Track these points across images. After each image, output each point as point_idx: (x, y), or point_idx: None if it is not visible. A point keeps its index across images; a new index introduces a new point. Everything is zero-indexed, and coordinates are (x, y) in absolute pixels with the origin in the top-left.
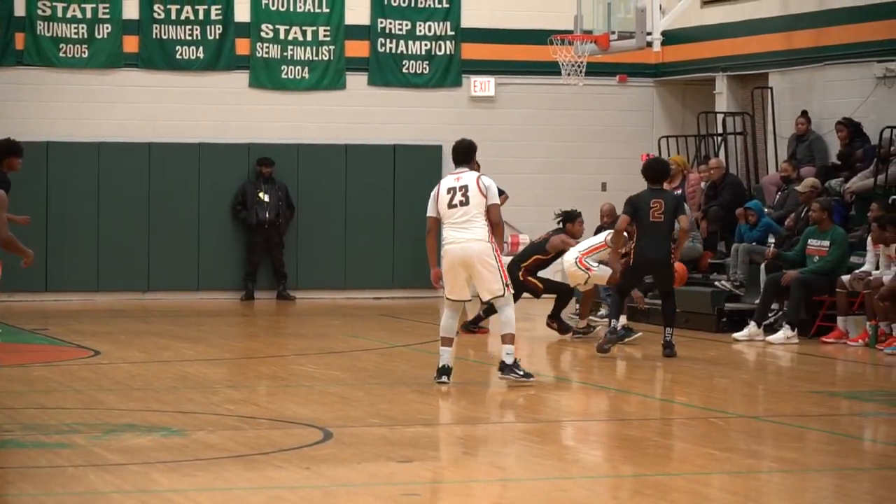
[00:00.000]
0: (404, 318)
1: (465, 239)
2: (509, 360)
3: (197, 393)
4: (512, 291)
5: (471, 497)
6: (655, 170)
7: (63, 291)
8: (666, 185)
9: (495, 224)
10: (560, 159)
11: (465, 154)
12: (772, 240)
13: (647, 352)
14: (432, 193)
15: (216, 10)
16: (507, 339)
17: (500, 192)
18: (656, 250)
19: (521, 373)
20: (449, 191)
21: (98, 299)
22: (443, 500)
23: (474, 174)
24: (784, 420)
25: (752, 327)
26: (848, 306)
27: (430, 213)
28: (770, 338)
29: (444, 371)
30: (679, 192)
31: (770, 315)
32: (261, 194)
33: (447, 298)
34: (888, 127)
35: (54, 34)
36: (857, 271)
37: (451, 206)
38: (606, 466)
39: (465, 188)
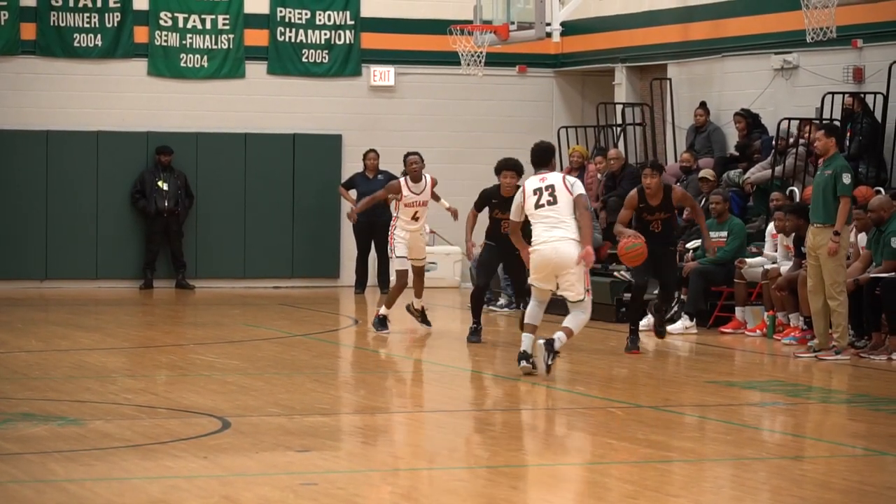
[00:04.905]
0: (303, 308)
1: (555, 238)
2: (557, 346)
3: (95, 382)
4: (591, 297)
5: (369, 486)
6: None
7: None
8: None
9: (584, 209)
10: (459, 149)
11: (544, 157)
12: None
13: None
14: (516, 197)
15: None
16: (567, 331)
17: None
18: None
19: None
20: (535, 191)
21: None
22: (341, 490)
23: (558, 174)
24: (682, 410)
25: (650, 318)
26: (746, 297)
27: (514, 217)
28: (669, 328)
29: (524, 356)
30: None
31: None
32: (160, 183)
33: (534, 286)
34: (785, 118)
35: None
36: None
37: (538, 206)
38: (506, 456)
39: (551, 187)
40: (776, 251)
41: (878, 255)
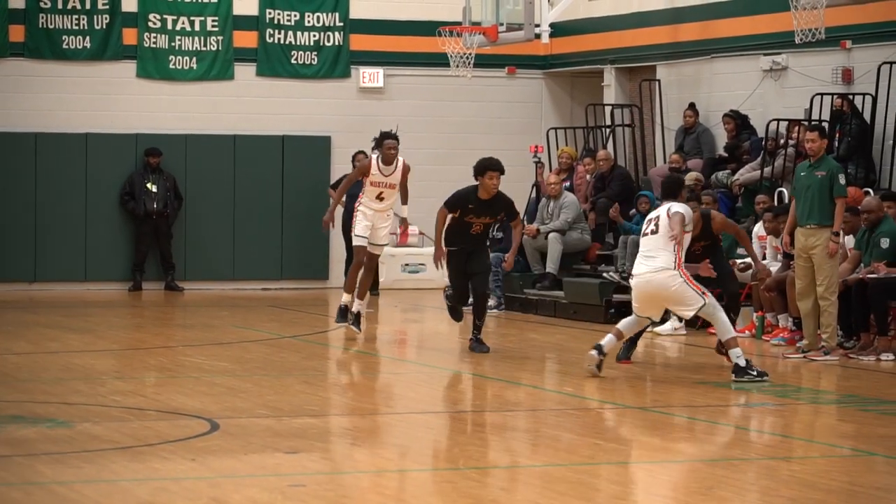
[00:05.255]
0: (292, 309)
1: (645, 271)
2: (742, 363)
3: (84, 384)
4: (709, 298)
5: (358, 488)
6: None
7: None
8: (554, 178)
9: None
10: (448, 150)
11: (668, 189)
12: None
13: (531, 343)
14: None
15: None
16: (732, 343)
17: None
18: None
19: (756, 373)
20: (647, 222)
21: None
22: (329, 492)
23: (667, 206)
24: (672, 410)
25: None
26: None
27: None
28: (658, 329)
29: (596, 348)
30: (567, 183)
31: None
32: (148, 185)
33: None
34: (774, 119)
35: None
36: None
37: (643, 235)
38: (495, 457)
39: (657, 218)
40: (765, 253)
41: (868, 255)
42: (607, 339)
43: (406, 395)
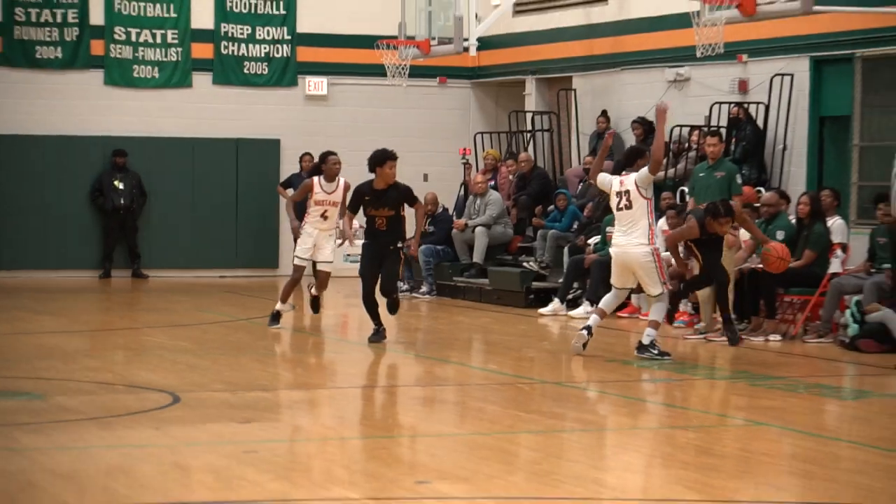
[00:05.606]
0: (246, 295)
1: (624, 243)
2: (646, 342)
3: (57, 361)
4: (669, 289)
5: (305, 454)
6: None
7: None
8: (480, 177)
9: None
10: None
11: (628, 159)
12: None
13: (459, 325)
14: (611, 182)
15: (73, 13)
16: (654, 324)
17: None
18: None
19: (657, 351)
20: (617, 194)
21: None
22: (279, 457)
23: (633, 176)
24: (584, 385)
25: (556, 303)
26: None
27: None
28: (572, 313)
29: (586, 328)
30: (492, 182)
31: (571, 292)
32: (116, 182)
33: (613, 286)
34: (678, 125)
35: None
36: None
37: (618, 208)
38: (425, 426)
39: (626, 193)
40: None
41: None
42: (593, 319)
43: (347, 371)
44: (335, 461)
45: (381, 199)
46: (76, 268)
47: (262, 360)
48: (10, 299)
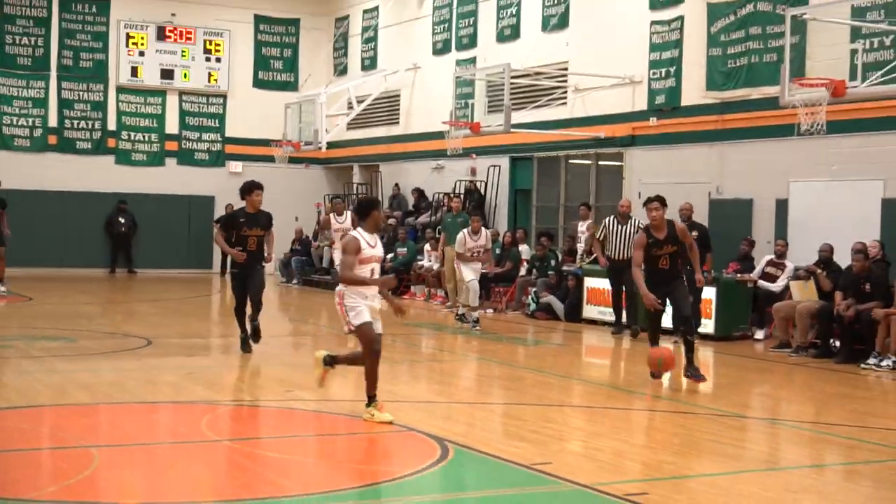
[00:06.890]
0: (192, 283)
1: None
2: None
3: (83, 319)
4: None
5: (227, 376)
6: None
7: None
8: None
9: None
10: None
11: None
12: None
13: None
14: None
15: (98, 123)
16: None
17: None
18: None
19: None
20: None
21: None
22: (211, 377)
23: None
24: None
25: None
26: (417, 279)
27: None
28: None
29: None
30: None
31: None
32: (119, 218)
33: None
34: (438, 192)
35: None
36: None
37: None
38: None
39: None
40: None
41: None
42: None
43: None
44: (245, 380)
45: (252, 222)
46: (95, 266)
47: (207, 318)
48: (58, 283)
